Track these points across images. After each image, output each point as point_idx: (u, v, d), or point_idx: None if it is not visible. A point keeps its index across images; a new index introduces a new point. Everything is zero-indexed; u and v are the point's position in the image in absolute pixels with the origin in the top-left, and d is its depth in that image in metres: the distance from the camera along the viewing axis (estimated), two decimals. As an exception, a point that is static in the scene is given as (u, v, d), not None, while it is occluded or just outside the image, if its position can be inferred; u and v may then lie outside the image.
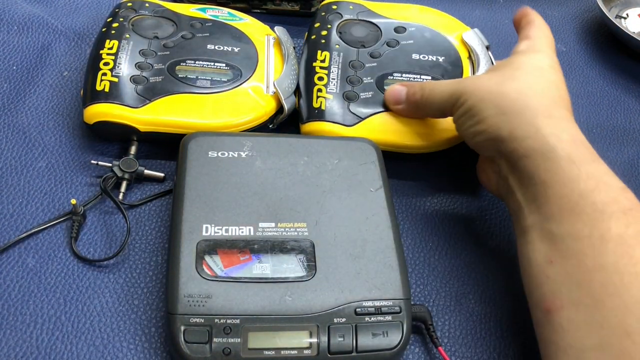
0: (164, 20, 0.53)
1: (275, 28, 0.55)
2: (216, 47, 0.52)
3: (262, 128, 0.49)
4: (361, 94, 0.49)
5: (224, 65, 0.50)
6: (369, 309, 0.37)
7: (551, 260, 0.36)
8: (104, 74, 0.47)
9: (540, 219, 0.38)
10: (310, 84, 0.50)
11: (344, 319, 0.37)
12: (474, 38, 0.55)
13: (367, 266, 0.39)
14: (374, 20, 0.55)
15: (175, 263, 0.38)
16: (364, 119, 0.48)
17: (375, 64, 0.51)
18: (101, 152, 0.49)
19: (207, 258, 0.38)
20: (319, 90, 0.49)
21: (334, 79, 0.49)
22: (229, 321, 0.36)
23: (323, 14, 0.56)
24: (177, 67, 0.49)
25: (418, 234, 0.47)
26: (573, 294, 0.35)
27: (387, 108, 0.49)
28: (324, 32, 0.53)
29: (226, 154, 0.44)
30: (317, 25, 0.54)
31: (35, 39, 0.56)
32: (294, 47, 0.55)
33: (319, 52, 0.52)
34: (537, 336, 0.37)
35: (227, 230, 0.39)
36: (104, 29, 0.52)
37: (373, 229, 0.41)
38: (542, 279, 0.36)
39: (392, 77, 0.51)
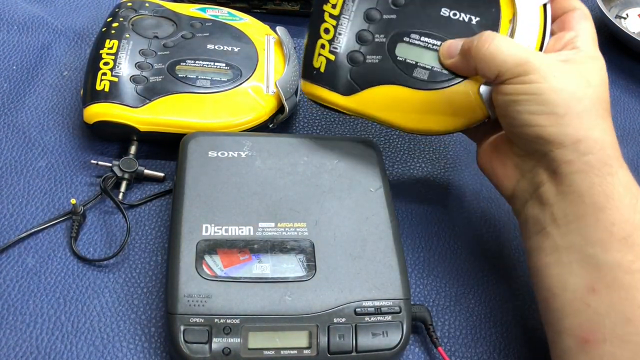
0: (164, 20, 0.53)
1: (277, 28, 0.55)
2: (216, 47, 0.51)
3: (262, 128, 0.49)
4: (368, 56, 0.42)
5: (224, 65, 0.50)
6: (368, 309, 0.37)
7: (594, 289, 0.33)
8: (104, 74, 0.47)
9: (582, 241, 0.34)
10: (315, 36, 0.43)
11: (343, 319, 0.37)
12: None
13: (367, 266, 0.39)
14: None
15: (175, 263, 0.38)
16: (364, 89, 0.42)
17: (394, 16, 0.42)
18: (101, 152, 0.48)
19: (207, 258, 0.38)
20: (322, 46, 0.42)
21: (340, 33, 0.42)
22: (228, 321, 0.36)
23: None
24: (177, 67, 0.49)
25: (418, 234, 0.47)
26: (619, 329, 0.32)
27: (392, 82, 0.42)
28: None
29: (226, 153, 0.44)
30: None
31: (35, 38, 0.56)
32: (295, 47, 0.55)
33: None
34: None
35: (227, 230, 0.39)
36: (104, 29, 0.52)
37: (373, 229, 0.41)
38: (580, 306, 0.34)
39: (408, 39, 0.42)
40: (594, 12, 0.70)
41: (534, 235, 0.37)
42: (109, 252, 0.43)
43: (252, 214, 0.41)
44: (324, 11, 0.42)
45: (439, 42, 0.42)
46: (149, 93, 0.47)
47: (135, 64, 0.49)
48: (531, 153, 0.38)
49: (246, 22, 0.56)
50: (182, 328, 0.35)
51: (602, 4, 0.64)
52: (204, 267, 0.38)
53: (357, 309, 0.37)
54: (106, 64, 0.48)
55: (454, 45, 0.41)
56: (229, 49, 0.52)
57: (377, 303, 0.38)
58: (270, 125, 0.50)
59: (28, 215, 0.44)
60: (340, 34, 0.42)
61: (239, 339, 0.35)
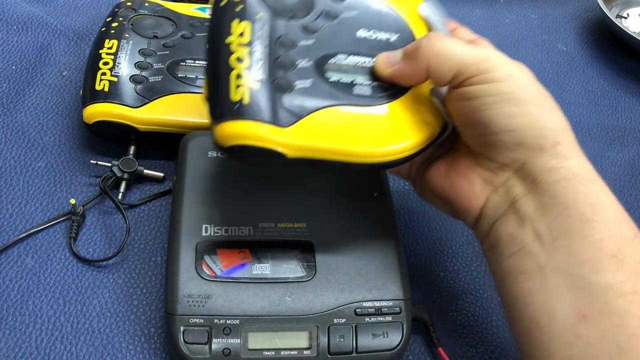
0: (164, 20, 0.53)
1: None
2: (216, 47, 0.51)
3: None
4: (297, 82, 0.34)
5: (224, 65, 0.50)
6: (369, 309, 0.37)
7: (585, 315, 0.29)
8: (104, 74, 0.47)
9: (569, 260, 0.30)
10: (225, 68, 0.34)
11: (343, 320, 0.37)
12: (431, 12, 0.40)
13: (367, 267, 0.39)
14: None
15: (174, 263, 0.38)
16: (303, 116, 0.33)
17: (310, 42, 0.36)
18: (101, 151, 0.48)
19: (207, 258, 0.38)
20: (238, 76, 0.33)
21: (260, 60, 0.34)
22: (228, 322, 0.36)
23: None
24: (177, 67, 0.49)
25: (418, 234, 0.47)
26: None
27: (328, 103, 0.34)
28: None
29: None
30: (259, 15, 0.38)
31: (35, 38, 0.56)
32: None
33: (235, 23, 0.35)
34: None
35: (226, 231, 0.39)
36: (103, 29, 0.52)
37: (373, 229, 0.41)
38: (570, 338, 0.30)
39: (335, 60, 0.36)
40: (594, 11, 0.70)
41: (510, 257, 0.33)
42: (108, 252, 0.43)
43: (252, 214, 0.40)
44: (230, 43, 0.34)
45: (369, 59, 0.37)
46: (149, 93, 0.47)
47: (135, 63, 0.49)
48: (506, 164, 0.33)
49: (246, 22, 0.55)
50: (181, 329, 0.35)
51: (603, 4, 0.64)
52: (203, 267, 0.37)
53: (357, 310, 0.37)
54: (106, 63, 0.48)
55: (392, 54, 0.35)
56: (229, 48, 0.52)
57: (377, 304, 0.37)
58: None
59: (27, 216, 0.44)
60: (259, 60, 0.34)
61: (238, 340, 0.35)
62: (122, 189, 0.45)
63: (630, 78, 0.64)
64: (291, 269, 0.38)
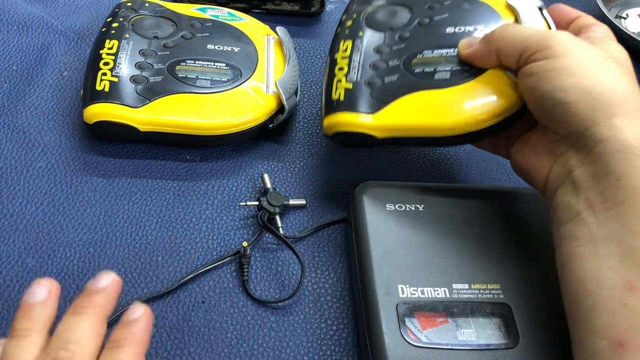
0: (164, 20, 0.53)
1: (277, 28, 0.55)
2: (216, 47, 0.52)
3: (262, 128, 0.49)
4: (386, 78, 0.43)
5: (224, 65, 0.50)
6: None
7: (632, 286, 0.30)
8: (104, 74, 0.47)
9: (621, 231, 0.31)
10: (331, 75, 0.46)
11: None
12: (518, 1, 0.45)
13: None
14: (404, 2, 0.48)
15: (377, 326, 0.36)
16: (387, 104, 0.41)
17: (402, 46, 0.44)
18: (101, 152, 0.49)
19: (407, 321, 0.37)
20: (339, 81, 0.44)
21: (354, 67, 0.44)
22: None
23: (350, 5, 0.51)
24: (177, 67, 0.49)
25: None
26: None
27: (413, 90, 0.41)
28: (349, 23, 0.48)
29: (403, 207, 0.42)
30: (344, 17, 0.50)
31: (35, 39, 0.56)
32: (295, 47, 0.55)
33: (342, 42, 0.47)
34: None
35: (422, 292, 0.38)
36: (103, 29, 0.52)
37: None
38: (616, 305, 0.30)
39: (421, 56, 0.43)
40: (594, 12, 0.70)
41: (566, 223, 0.34)
42: (279, 290, 0.42)
43: (444, 274, 0.39)
44: (336, 60, 0.46)
45: (452, 49, 0.42)
46: (149, 93, 0.47)
47: (135, 64, 0.49)
48: (566, 136, 0.35)
49: (246, 22, 0.56)
50: None
51: (602, 4, 0.64)
52: (407, 332, 0.36)
53: None
54: (106, 64, 0.48)
55: (473, 39, 0.41)
56: (229, 49, 0.52)
57: None
58: (271, 126, 0.50)
59: (28, 216, 0.44)
60: (354, 68, 0.44)
61: None
62: (279, 223, 0.45)
63: (629, 78, 0.64)
64: (495, 335, 0.36)
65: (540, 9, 0.43)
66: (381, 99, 0.41)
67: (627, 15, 0.68)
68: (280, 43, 0.54)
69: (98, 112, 0.46)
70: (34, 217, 0.44)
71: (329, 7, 0.65)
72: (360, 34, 0.46)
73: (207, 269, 0.43)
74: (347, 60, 0.45)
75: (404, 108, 0.41)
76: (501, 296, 0.38)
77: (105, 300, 0.32)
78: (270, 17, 0.62)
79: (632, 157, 0.32)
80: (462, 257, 0.40)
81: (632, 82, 0.35)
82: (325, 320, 0.41)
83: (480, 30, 0.43)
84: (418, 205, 0.42)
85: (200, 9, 0.56)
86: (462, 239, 0.41)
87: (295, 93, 0.51)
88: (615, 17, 0.67)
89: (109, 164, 0.48)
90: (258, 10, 0.63)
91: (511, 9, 0.43)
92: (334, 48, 0.47)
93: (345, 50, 0.46)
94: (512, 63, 0.38)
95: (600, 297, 0.31)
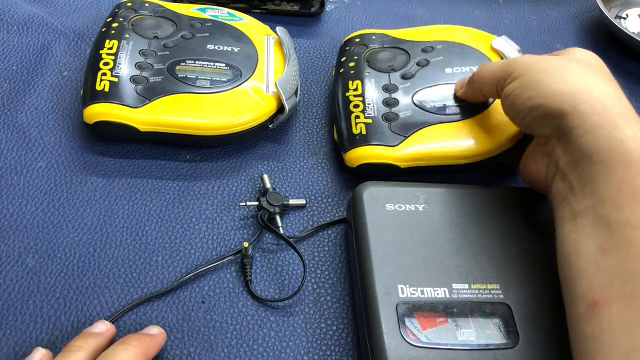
0: (164, 20, 0.53)
1: (277, 28, 0.55)
2: (216, 47, 0.52)
3: (262, 128, 0.49)
4: (400, 114, 0.48)
5: (224, 65, 0.50)
6: None
7: (604, 249, 0.33)
8: (104, 74, 0.47)
9: (595, 202, 0.34)
10: (347, 112, 0.49)
11: None
12: (504, 44, 0.55)
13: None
14: (400, 46, 0.55)
15: (376, 326, 0.36)
16: (407, 136, 0.47)
17: (408, 84, 0.51)
18: (101, 152, 0.49)
19: (407, 321, 0.37)
20: (357, 117, 0.48)
21: (369, 104, 0.49)
22: None
23: (348, 48, 0.55)
24: (177, 67, 0.49)
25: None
26: (627, 288, 0.31)
27: (427, 124, 0.48)
28: (351, 64, 0.53)
29: (403, 207, 0.42)
30: (343, 59, 0.54)
31: (35, 39, 0.56)
32: (295, 48, 0.55)
33: (350, 82, 0.51)
34: (574, 332, 0.34)
35: (422, 292, 0.38)
36: (103, 29, 0.52)
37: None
38: (591, 269, 0.33)
39: (428, 92, 0.50)
40: (594, 12, 0.70)
41: (556, 208, 0.38)
42: (280, 289, 0.43)
43: (444, 274, 0.39)
44: (348, 97, 0.51)
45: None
46: (149, 93, 0.47)
47: (135, 64, 0.49)
48: (548, 135, 0.39)
49: (246, 22, 0.56)
50: None
51: (602, 4, 0.64)
52: (407, 332, 0.36)
53: None
54: (106, 64, 0.48)
55: (463, 80, 0.49)
56: (229, 49, 0.52)
57: None
58: (270, 126, 0.50)
59: (28, 216, 0.44)
60: (369, 104, 0.50)
61: None
62: (279, 223, 0.45)
63: (629, 78, 0.64)
64: (494, 334, 0.37)
65: (520, 52, 0.53)
66: (401, 134, 0.47)
67: (627, 15, 0.68)
68: (280, 43, 0.54)
69: (98, 112, 0.46)
70: (34, 217, 0.44)
71: (329, 7, 0.65)
72: (367, 73, 0.52)
73: (207, 269, 0.43)
74: (361, 99, 0.50)
75: (421, 139, 0.47)
76: (501, 296, 0.38)
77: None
78: (270, 17, 0.62)
79: (599, 136, 0.35)
80: (462, 257, 0.40)
81: (594, 75, 0.39)
82: (325, 320, 0.41)
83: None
84: (418, 205, 0.43)
85: (200, 9, 0.56)
86: (462, 239, 0.41)
87: (295, 93, 0.51)
88: (615, 17, 0.67)
89: (109, 164, 0.48)
90: (258, 10, 0.63)
91: (496, 51, 0.54)
92: (344, 87, 0.52)
93: (356, 89, 0.51)
94: (494, 95, 0.45)
95: (579, 265, 0.34)
